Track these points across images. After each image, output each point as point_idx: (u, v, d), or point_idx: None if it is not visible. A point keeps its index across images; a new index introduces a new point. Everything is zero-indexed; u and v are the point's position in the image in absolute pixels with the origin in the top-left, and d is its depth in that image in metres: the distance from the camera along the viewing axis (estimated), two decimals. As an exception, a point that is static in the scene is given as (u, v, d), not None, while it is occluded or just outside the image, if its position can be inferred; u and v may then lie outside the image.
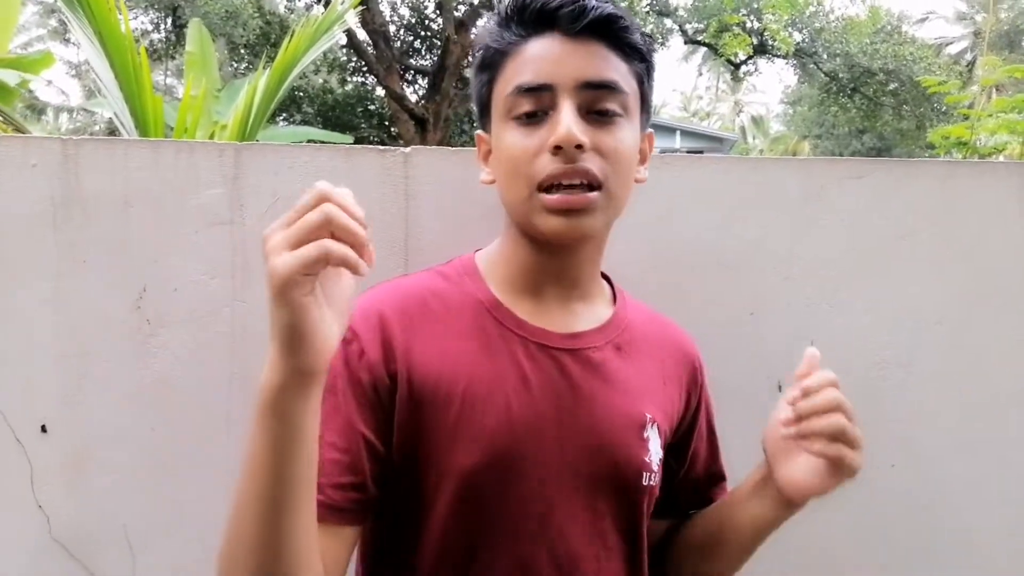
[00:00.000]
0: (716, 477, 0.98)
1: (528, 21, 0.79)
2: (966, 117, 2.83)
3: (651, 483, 0.83)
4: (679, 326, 0.96)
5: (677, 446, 0.92)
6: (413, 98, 12.73)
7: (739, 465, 0.92)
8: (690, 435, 0.94)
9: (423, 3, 13.27)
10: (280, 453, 0.61)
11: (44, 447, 1.05)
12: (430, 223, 1.11)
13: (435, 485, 0.77)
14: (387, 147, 1.11)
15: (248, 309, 1.07)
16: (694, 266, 1.15)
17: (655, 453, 0.84)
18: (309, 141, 6.05)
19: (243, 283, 1.07)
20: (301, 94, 12.52)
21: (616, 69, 0.78)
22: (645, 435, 0.83)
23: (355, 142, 8.39)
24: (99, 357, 1.06)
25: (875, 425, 1.18)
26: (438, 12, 12.61)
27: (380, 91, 12.95)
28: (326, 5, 6.60)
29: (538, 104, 0.77)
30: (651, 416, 0.84)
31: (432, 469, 0.77)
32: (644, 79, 0.82)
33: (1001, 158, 2.90)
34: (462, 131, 13.74)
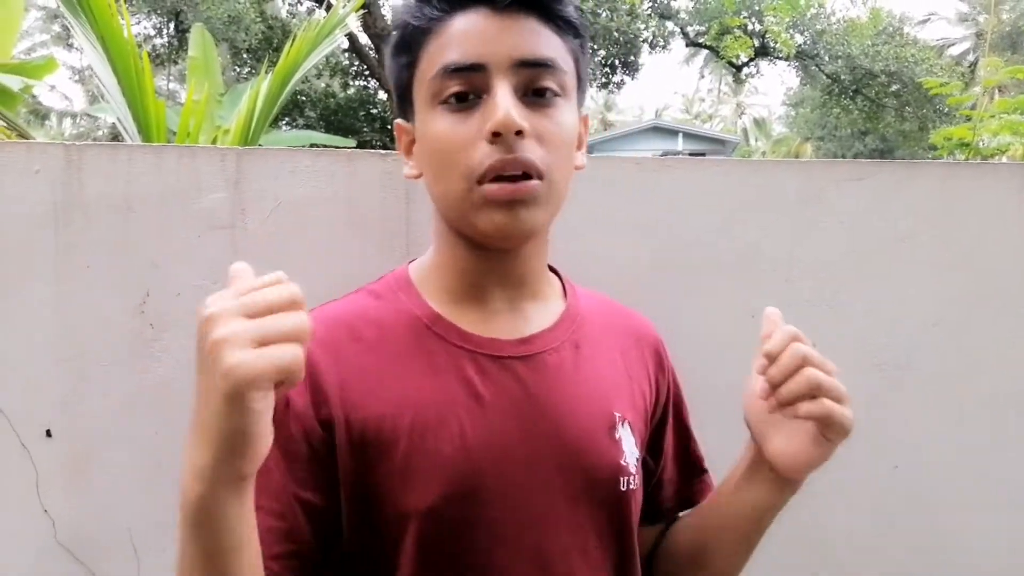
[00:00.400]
0: (695, 470, 0.91)
1: None
2: (968, 118, 2.83)
3: (631, 487, 0.77)
4: (636, 311, 0.90)
5: (652, 441, 0.86)
6: (415, 102, 12.70)
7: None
8: (663, 427, 0.88)
9: (425, 7, 13.27)
10: (219, 566, 0.54)
11: (49, 451, 1.05)
12: (431, 226, 1.11)
13: (397, 529, 0.69)
14: (388, 151, 1.11)
15: (250, 313, 1.08)
16: (695, 268, 1.16)
17: (631, 453, 0.78)
18: (312, 145, 6.06)
19: (245, 287, 1.07)
20: (303, 98, 12.57)
21: (551, 45, 0.71)
22: (617, 435, 0.77)
23: (357, 146, 8.42)
24: (102, 361, 1.06)
25: (876, 427, 1.18)
26: (440, 16, 12.59)
27: (382, 95, 12.99)
28: (328, 9, 6.63)
29: (469, 85, 0.69)
30: (621, 414, 0.78)
31: (390, 513, 0.69)
32: (579, 56, 0.75)
33: (1004, 159, 2.90)
34: (464, 134, 13.71)
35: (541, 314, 0.80)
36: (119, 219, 1.05)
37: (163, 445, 1.07)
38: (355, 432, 0.70)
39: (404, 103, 0.77)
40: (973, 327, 1.19)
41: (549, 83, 0.70)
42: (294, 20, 12.00)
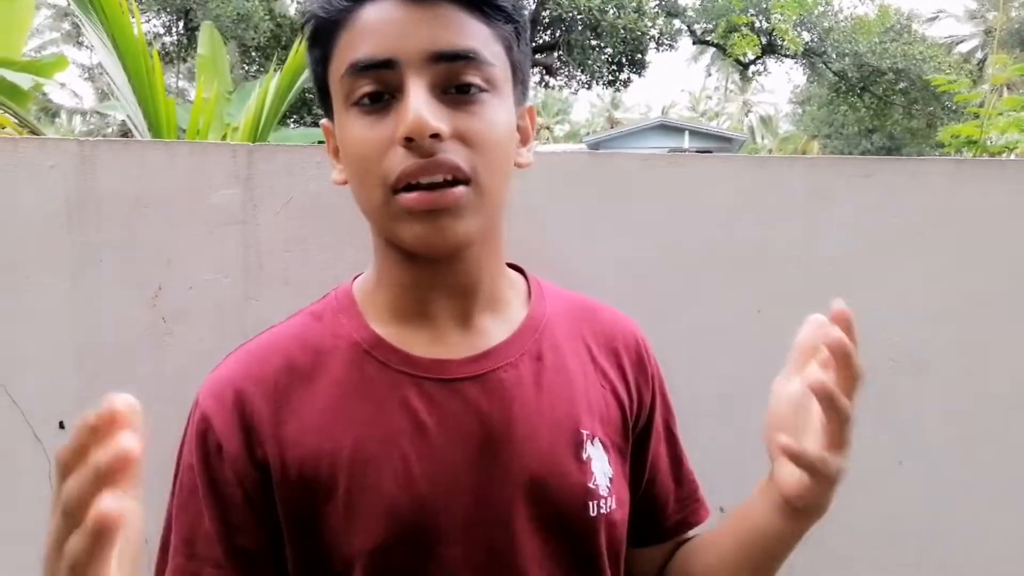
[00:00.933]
0: (689, 484, 0.85)
1: None
2: (976, 116, 2.83)
3: (603, 511, 0.70)
4: (616, 310, 0.82)
5: (635, 453, 0.78)
6: (422, 99, 12.74)
7: (755, 471, 0.76)
8: (647, 438, 0.80)
9: (432, 5, 13.31)
10: None
11: (62, 444, 1.07)
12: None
13: (345, 572, 0.65)
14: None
15: (261, 307, 1.09)
16: (702, 265, 1.16)
17: (602, 473, 0.71)
18: (320, 142, 6.08)
19: (256, 281, 1.08)
20: (312, 96, 12.58)
21: (474, 34, 0.63)
22: (584, 456, 0.70)
23: (364, 143, 8.40)
24: (115, 354, 1.07)
25: (885, 423, 1.18)
26: (447, 14, 12.63)
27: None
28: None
29: (381, 84, 0.62)
30: (589, 431, 0.71)
31: (335, 557, 0.65)
32: (513, 44, 0.67)
33: (1012, 156, 2.89)
34: (471, 132, 13.75)
35: (499, 325, 0.73)
36: (132, 214, 1.06)
37: (176, 437, 1.08)
38: (291, 472, 0.65)
39: (325, 102, 0.71)
40: (981, 324, 1.19)
41: (472, 78, 0.63)
42: (302, 18, 12.03)
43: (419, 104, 0.60)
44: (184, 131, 2.90)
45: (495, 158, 0.65)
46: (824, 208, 1.17)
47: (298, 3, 13.10)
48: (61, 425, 1.07)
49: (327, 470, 0.65)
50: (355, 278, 0.76)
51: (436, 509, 0.65)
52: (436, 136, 0.60)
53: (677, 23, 13.65)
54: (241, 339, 1.13)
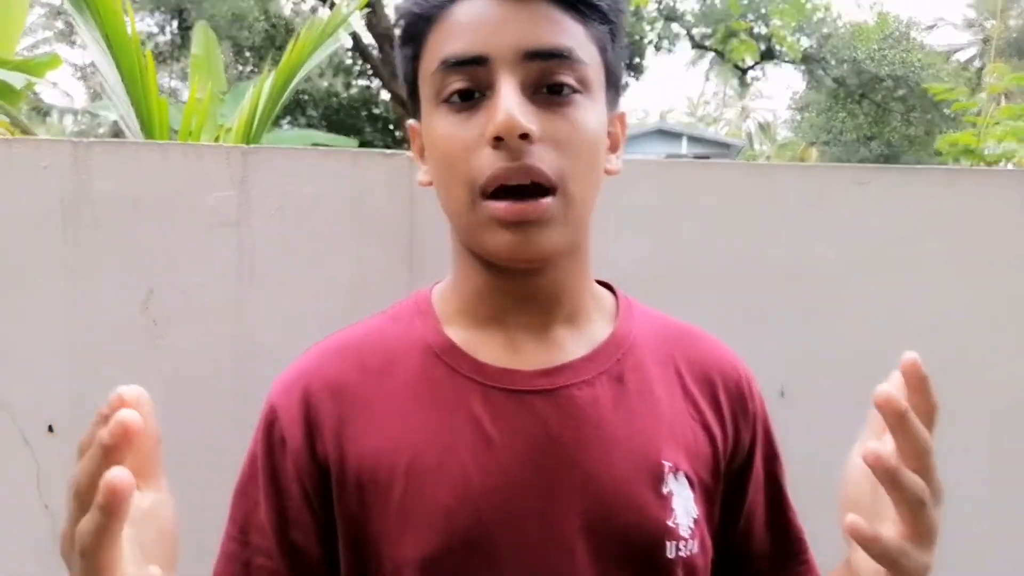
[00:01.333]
0: (792, 546, 0.75)
1: None
2: (974, 124, 2.83)
3: (682, 553, 0.64)
4: (718, 340, 0.77)
5: (726, 497, 0.71)
6: (418, 102, 12.75)
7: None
8: (743, 483, 0.72)
9: (429, 7, 13.32)
10: None
11: (51, 447, 1.06)
12: (435, 228, 1.11)
13: None
14: (393, 151, 1.11)
15: (255, 311, 1.08)
16: (698, 271, 1.16)
17: (684, 512, 0.65)
18: (314, 144, 6.07)
19: (250, 285, 1.07)
20: (306, 97, 12.58)
21: (569, 33, 0.61)
22: (665, 490, 0.64)
23: (360, 145, 8.42)
24: (107, 357, 1.06)
25: (878, 431, 1.18)
26: (444, 16, 12.64)
27: (385, 95, 12.99)
28: (331, 8, 6.64)
29: (472, 81, 0.60)
30: (673, 463, 0.65)
31: (385, 562, 0.63)
32: (608, 45, 0.65)
33: (1010, 166, 2.90)
34: (467, 135, 13.75)
35: (577, 340, 0.69)
36: (125, 216, 1.06)
37: (165, 441, 1.07)
38: (350, 473, 0.64)
39: (414, 100, 0.69)
40: (975, 332, 1.19)
41: (565, 77, 0.60)
42: (297, 19, 12.02)
43: (510, 103, 0.58)
44: (176, 131, 2.88)
45: (584, 163, 0.62)
46: (819, 215, 1.17)
47: (293, 3, 13.10)
48: (50, 429, 1.06)
49: (385, 474, 0.63)
50: (436, 283, 0.75)
51: (492, 525, 0.62)
52: (526, 137, 0.58)
53: (676, 27, 13.70)
54: (235, 342, 1.12)
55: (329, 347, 0.71)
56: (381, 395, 0.66)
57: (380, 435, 0.65)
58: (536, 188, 0.59)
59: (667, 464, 0.65)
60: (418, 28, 0.64)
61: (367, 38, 11.90)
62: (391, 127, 13.59)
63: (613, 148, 0.70)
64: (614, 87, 0.67)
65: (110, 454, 0.42)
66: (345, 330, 0.74)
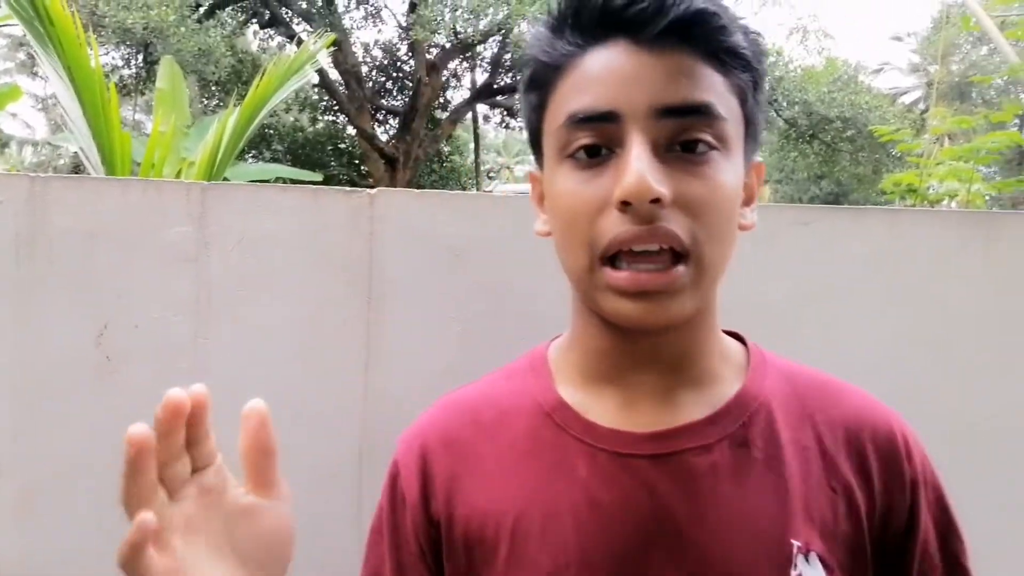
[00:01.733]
0: None
1: (587, 25, 0.58)
2: (918, 164, 2.95)
3: None
4: (868, 394, 0.69)
5: None
6: (384, 137, 12.83)
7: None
8: (902, 564, 0.62)
9: (396, 45, 13.47)
10: None
11: (-3, 486, 1.03)
12: (395, 265, 1.13)
13: None
14: (353, 188, 1.13)
15: (211, 347, 1.07)
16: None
17: None
18: (277, 179, 6.05)
19: (206, 320, 1.07)
20: (271, 131, 12.55)
21: (709, 86, 0.56)
22: (794, 573, 0.57)
23: (324, 180, 8.42)
24: (57, 394, 1.05)
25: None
26: (410, 54, 12.79)
27: (351, 130, 13.03)
28: (299, 44, 6.68)
29: (600, 137, 0.57)
30: (803, 543, 0.58)
31: None
32: (749, 95, 0.60)
33: (953, 204, 3.02)
34: (431, 171, 13.86)
35: (700, 399, 0.63)
36: (82, 251, 1.05)
37: (117, 481, 1.06)
38: (458, 530, 0.63)
39: (536, 149, 0.66)
40: (917, 371, 1.23)
41: (702, 134, 0.56)
42: (264, 55, 12.04)
43: (641, 164, 0.53)
44: (139, 164, 2.86)
45: (719, 226, 0.57)
46: (765, 255, 1.21)
47: (260, 39, 13.13)
48: (-3, 466, 1.03)
49: (491, 534, 0.61)
50: (554, 339, 0.72)
51: None
52: (657, 201, 0.53)
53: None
54: (190, 379, 1.11)
55: (448, 401, 0.71)
56: (491, 452, 0.65)
57: (488, 493, 0.63)
58: (666, 254, 0.55)
59: (796, 544, 0.58)
60: (545, 77, 0.61)
61: (334, 74, 11.96)
62: (356, 162, 13.61)
63: (747, 201, 0.65)
64: (753, 138, 0.62)
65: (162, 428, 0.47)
66: (467, 385, 0.73)
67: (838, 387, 0.68)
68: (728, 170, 0.58)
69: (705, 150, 0.56)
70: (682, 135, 0.56)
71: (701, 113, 0.56)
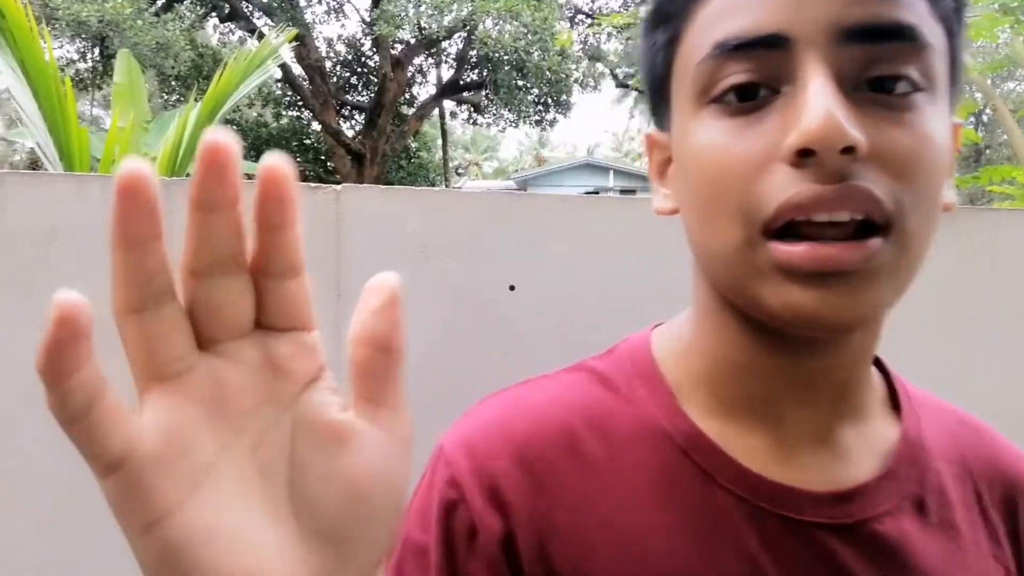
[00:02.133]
0: None
1: None
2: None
3: None
4: (998, 434, 0.56)
5: None
6: (350, 133, 12.74)
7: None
8: None
9: (360, 40, 13.37)
10: None
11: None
12: (362, 262, 1.12)
13: None
14: (319, 185, 1.12)
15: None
16: (620, 307, 1.19)
17: None
18: (247, 176, 5.96)
19: (171, 319, 1.06)
20: (234, 127, 12.38)
21: (910, 5, 0.41)
22: None
23: (289, 176, 8.31)
24: (15, 396, 1.02)
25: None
26: (374, 50, 12.71)
27: (316, 125, 12.91)
28: (260, 39, 6.59)
29: (760, 73, 0.42)
30: None
31: None
32: (955, 26, 0.44)
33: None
34: (399, 167, 13.80)
35: (865, 446, 0.50)
36: (40, 249, 1.03)
37: (76, 488, 1.04)
38: (557, 569, 0.46)
39: (658, 103, 0.51)
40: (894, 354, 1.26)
41: (906, 68, 0.41)
42: (225, 49, 11.85)
43: (827, 100, 0.39)
44: (99, 160, 2.80)
45: (928, 192, 0.42)
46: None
47: (221, 33, 12.92)
48: (-48, 471, 1.01)
49: None
50: (655, 327, 0.57)
51: None
52: (850, 150, 0.38)
53: (600, 67, 14.11)
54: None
55: (514, 407, 0.52)
56: (599, 490, 0.48)
57: (610, 550, 0.47)
58: (858, 225, 0.40)
59: None
60: (678, 4, 0.47)
61: (297, 69, 11.83)
62: (323, 158, 13.49)
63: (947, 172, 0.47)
64: (957, 86, 0.46)
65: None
66: (537, 389, 0.54)
67: (977, 426, 0.56)
68: (937, 120, 0.42)
69: (908, 90, 0.41)
70: (875, 68, 0.41)
71: (906, 38, 0.41)
